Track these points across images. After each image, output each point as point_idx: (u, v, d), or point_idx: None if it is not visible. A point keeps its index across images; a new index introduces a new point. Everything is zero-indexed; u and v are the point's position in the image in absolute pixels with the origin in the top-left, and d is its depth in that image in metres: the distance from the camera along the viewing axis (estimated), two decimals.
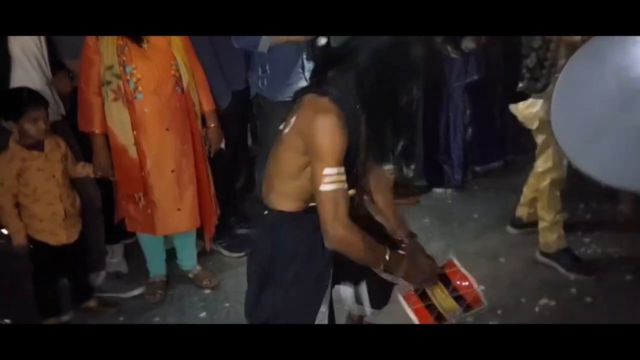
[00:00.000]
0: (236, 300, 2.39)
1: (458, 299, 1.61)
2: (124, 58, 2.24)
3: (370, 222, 1.64)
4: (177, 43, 2.34)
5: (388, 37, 1.38)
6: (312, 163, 1.38)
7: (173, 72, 2.32)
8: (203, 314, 2.43)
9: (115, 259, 2.69)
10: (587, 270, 2.52)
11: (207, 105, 2.47)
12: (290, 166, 1.45)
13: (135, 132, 2.30)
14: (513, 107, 2.48)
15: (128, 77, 2.25)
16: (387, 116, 1.42)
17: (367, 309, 1.69)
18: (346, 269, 1.57)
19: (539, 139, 2.48)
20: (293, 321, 1.49)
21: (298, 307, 1.50)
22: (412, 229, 1.74)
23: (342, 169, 1.36)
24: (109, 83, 2.27)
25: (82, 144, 2.42)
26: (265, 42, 2.36)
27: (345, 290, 1.69)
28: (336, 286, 1.64)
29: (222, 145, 2.56)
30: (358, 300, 1.69)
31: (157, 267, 2.59)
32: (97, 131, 2.32)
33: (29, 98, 2.18)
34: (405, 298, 1.60)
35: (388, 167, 1.78)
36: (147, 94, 2.27)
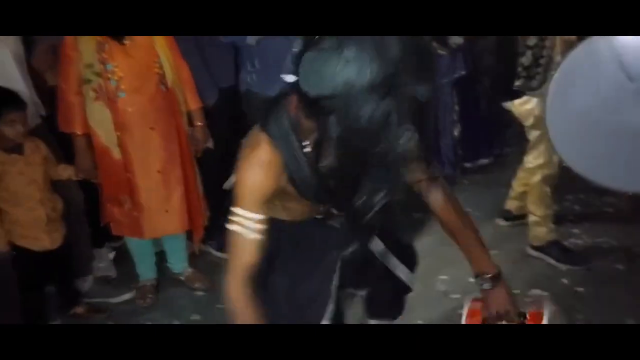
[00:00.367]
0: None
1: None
2: (105, 56, 2.17)
3: None
4: (159, 39, 2.27)
5: (367, 113, 1.01)
6: None
7: (156, 69, 2.26)
8: (196, 317, 2.39)
9: (103, 263, 2.63)
10: (577, 261, 2.54)
11: (194, 103, 2.41)
12: None
13: (118, 133, 2.24)
14: (508, 104, 2.47)
15: (109, 76, 2.18)
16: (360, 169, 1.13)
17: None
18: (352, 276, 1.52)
19: (533, 135, 2.48)
20: (300, 314, 1.41)
21: (302, 314, 1.44)
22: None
23: (253, 215, 1.17)
24: (89, 82, 2.20)
25: (63, 145, 2.34)
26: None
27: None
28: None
29: (210, 144, 2.51)
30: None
31: (146, 270, 2.54)
32: (78, 132, 2.25)
33: (6, 100, 2.11)
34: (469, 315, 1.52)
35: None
36: (130, 92, 2.20)
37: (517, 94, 2.44)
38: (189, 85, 2.38)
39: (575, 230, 2.80)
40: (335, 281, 1.47)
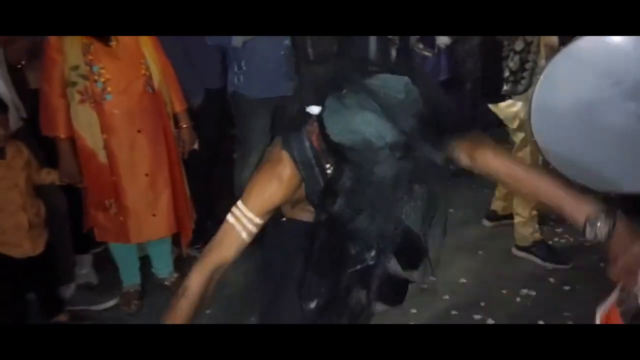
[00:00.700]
0: (217, 306, 2.31)
1: None
2: (90, 57, 2.13)
3: None
4: (145, 40, 2.23)
5: (381, 172, 1.07)
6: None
7: (143, 71, 2.22)
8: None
9: (85, 270, 2.56)
10: (563, 260, 2.60)
11: (179, 105, 2.38)
12: None
13: (104, 135, 2.19)
14: (493, 106, 2.51)
15: (96, 78, 2.13)
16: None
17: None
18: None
19: (518, 137, 2.52)
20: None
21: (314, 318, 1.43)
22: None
23: (254, 217, 1.22)
24: (74, 84, 2.14)
25: (46, 149, 2.28)
26: (239, 36, 2.29)
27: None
28: None
29: (196, 146, 2.48)
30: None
31: (130, 276, 2.48)
32: (62, 136, 2.19)
33: None
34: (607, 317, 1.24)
35: None
36: (117, 94, 2.16)
37: (503, 97, 2.48)
38: (174, 87, 2.35)
39: (558, 230, 2.86)
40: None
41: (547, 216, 2.87)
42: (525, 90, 2.37)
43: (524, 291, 2.42)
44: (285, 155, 1.23)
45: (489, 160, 1.27)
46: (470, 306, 2.32)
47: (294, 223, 1.41)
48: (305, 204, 1.36)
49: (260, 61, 2.39)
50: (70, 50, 2.11)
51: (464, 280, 2.49)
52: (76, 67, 2.12)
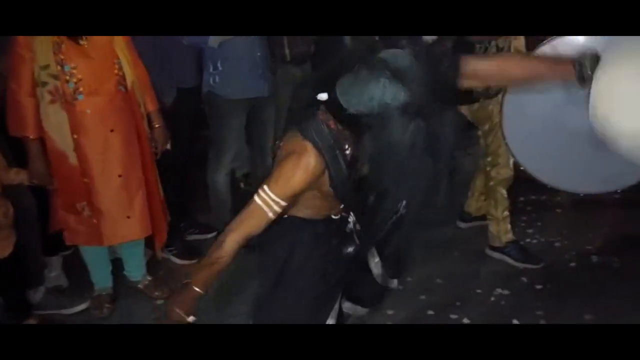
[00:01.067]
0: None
1: None
2: (62, 57, 2.07)
3: None
4: (118, 39, 2.19)
5: (399, 132, 1.24)
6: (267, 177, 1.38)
7: (116, 70, 2.17)
8: None
9: (54, 273, 2.50)
10: (534, 260, 2.64)
11: (152, 105, 2.34)
12: None
13: (75, 136, 2.14)
14: (464, 108, 2.53)
15: (67, 78, 2.08)
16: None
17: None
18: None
19: (489, 139, 2.55)
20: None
21: (308, 314, 1.49)
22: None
23: (280, 200, 1.34)
24: (44, 84, 2.08)
25: (14, 148, 2.21)
26: (216, 37, 2.27)
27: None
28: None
29: (168, 146, 2.44)
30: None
31: (102, 279, 2.43)
32: (31, 136, 2.13)
33: None
34: None
35: None
36: (89, 94, 2.11)
37: (475, 99, 2.51)
38: (147, 86, 2.31)
39: (530, 231, 2.91)
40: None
41: (517, 217, 2.92)
42: (497, 93, 2.40)
43: (498, 290, 2.45)
44: (308, 145, 1.33)
45: (476, 64, 1.42)
46: (446, 306, 2.34)
47: (294, 220, 1.49)
48: (305, 203, 1.44)
49: (236, 62, 2.37)
50: (40, 49, 2.05)
51: (440, 281, 2.52)
52: (46, 67, 2.07)
